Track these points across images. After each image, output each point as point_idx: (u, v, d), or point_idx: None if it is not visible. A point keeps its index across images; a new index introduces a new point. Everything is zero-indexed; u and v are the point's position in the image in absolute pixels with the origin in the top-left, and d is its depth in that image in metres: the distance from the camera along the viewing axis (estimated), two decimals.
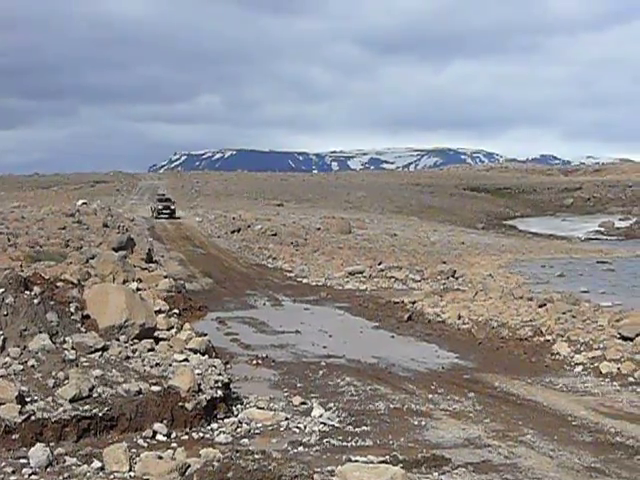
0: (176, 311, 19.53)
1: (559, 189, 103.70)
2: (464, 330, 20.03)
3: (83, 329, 12.34)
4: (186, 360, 12.69)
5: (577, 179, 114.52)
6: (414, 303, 23.69)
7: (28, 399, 9.79)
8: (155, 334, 13.65)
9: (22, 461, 8.76)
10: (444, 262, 35.77)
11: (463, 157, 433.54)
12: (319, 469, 8.43)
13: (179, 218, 58.62)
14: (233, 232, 47.94)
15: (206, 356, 13.55)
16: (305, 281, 30.78)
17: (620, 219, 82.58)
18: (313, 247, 41.25)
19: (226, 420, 11.18)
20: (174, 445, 9.82)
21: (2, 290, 12.02)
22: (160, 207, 60.45)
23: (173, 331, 15.43)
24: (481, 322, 20.18)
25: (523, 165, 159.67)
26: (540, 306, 20.96)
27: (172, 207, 60.54)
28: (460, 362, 16.79)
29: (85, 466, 8.77)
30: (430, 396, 13.35)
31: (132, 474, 8.54)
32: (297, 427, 11.26)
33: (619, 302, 23.24)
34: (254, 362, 16.01)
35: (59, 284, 14.55)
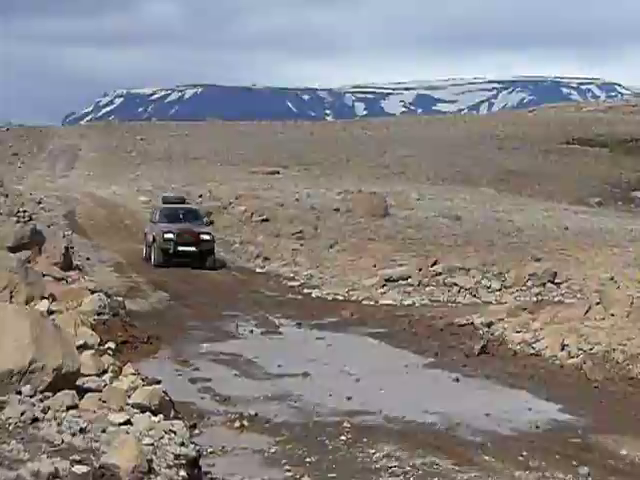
0: (111, 345, 19.59)
1: None
2: (571, 367, 20.02)
3: None
4: (128, 423, 12.71)
5: None
6: (490, 325, 23.71)
7: None
8: (79, 382, 13.68)
9: None
10: (537, 259, 35.76)
11: (566, 91, 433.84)
12: None
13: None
14: None
15: (160, 416, 13.58)
16: (316, 293, 30.85)
17: None
18: (328, 239, 41.31)
19: None
20: None
21: None
22: (168, 237, 37.38)
23: (107, 377, 15.47)
24: (598, 354, 20.16)
25: None
26: None
27: (206, 237, 37.99)
28: (565, 418, 16.79)
29: None
30: (517, 473, 13.36)
31: None
32: None
33: None
34: (237, 424, 16.03)
35: None
